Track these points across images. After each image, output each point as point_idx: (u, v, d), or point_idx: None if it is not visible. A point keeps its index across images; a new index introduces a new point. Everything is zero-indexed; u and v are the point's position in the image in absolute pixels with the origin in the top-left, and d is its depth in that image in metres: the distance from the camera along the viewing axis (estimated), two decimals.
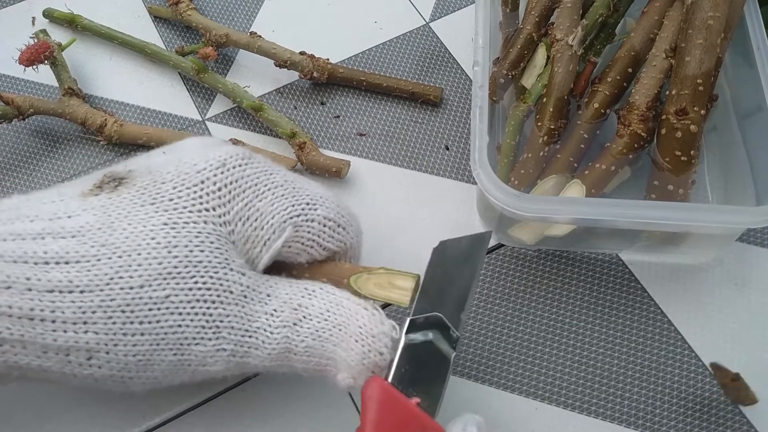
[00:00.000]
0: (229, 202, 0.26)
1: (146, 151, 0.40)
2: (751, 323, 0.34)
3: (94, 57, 0.43)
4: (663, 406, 0.32)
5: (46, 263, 0.23)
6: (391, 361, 0.26)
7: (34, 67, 0.40)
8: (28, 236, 0.23)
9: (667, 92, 0.32)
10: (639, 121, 0.32)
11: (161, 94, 0.42)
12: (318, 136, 0.40)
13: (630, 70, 0.34)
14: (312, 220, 0.27)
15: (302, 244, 0.27)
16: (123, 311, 0.23)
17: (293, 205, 0.27)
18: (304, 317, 0.26)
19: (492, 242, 0.36)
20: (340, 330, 0.26)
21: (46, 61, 0.40)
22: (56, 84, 0.40)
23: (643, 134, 0.32)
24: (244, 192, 0.26)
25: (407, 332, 0.26)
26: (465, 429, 0.24)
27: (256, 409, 0.32)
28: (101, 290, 0.23)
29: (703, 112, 0.31)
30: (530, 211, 0.29)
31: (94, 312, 0.23)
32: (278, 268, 0.29)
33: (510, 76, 0.36)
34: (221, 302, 0.25)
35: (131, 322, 0.23)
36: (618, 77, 0.34)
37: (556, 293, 0.35)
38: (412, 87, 0.40)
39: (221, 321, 0.25)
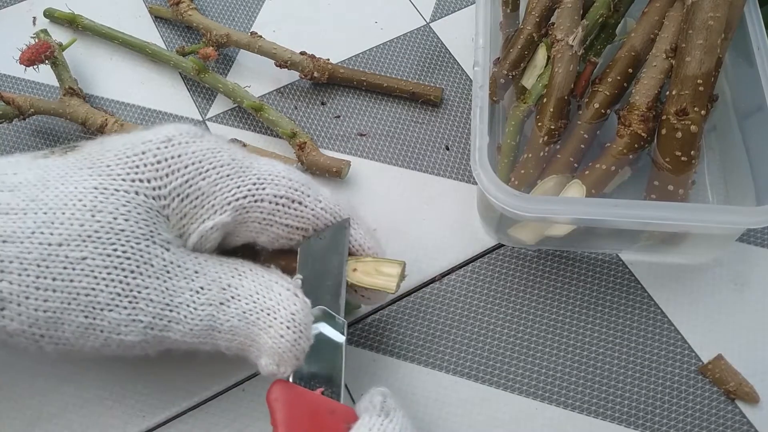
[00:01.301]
0: (167, 176, 0.26)
1: None
2: (751, 323, 0.34)
3: (95, 57, 0.44)
4: (663, 406, 0.32)
5: None
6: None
7: (35, 67, 0.40)
8: None
9: (668, 92, 0.32)
10: (639, 122, 0.32)
11: (162, 94, 0.42)
12: (318, 136, 0.40)
13: (630, 70, 0.34)
14: (261, 200, 0.27)
15: (259, 223, 0.27)
16: (38, 265, 0.23)
17: (238, 186, 0.27)
18: (232, 297, 0.26)
19: (492, 242, 0.36)
20: (268, 314, 0.25)
21: (46, 61, 0.40)
22: (57, 84, 0.40)
23: (643, 134, 0.32)
24: (186, 168, 0.26)
25: None
26: (371, 400, 0.25)
27: (256, 409, 0.32)
28: (21, 242, 0.23)
29: (703, 112, 0.31)
30: (530, 211, 0.29)
31: (11, 262, 0.23)
32: (261, 253, 0.29)
33: (510, 77, 0.36)
34: (140, 273, 0.25)
35: (45, 277, 0.23)
36: (618, 77, 0.34)
37: (556, 293, 0.35)
38: (413, 87, 0.40)
39: (138, 292, 0.25)
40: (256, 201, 0.27)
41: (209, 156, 0.27)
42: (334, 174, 0.37)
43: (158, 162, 0.26)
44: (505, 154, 0.35)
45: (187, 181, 0.26)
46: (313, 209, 0.28)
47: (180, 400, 0.32)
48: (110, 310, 0.24)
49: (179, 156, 0.26)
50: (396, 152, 0.39)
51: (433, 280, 0.35)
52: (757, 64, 0.32)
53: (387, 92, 0.41)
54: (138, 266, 0.25)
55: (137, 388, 0.32)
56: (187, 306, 0.25)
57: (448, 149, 0.39)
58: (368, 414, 0.25)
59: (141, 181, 0.25)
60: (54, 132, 0.41)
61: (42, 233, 0.24)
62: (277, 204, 0.27)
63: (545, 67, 0.35)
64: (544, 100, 0.34)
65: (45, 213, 0.24)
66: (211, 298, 0.25)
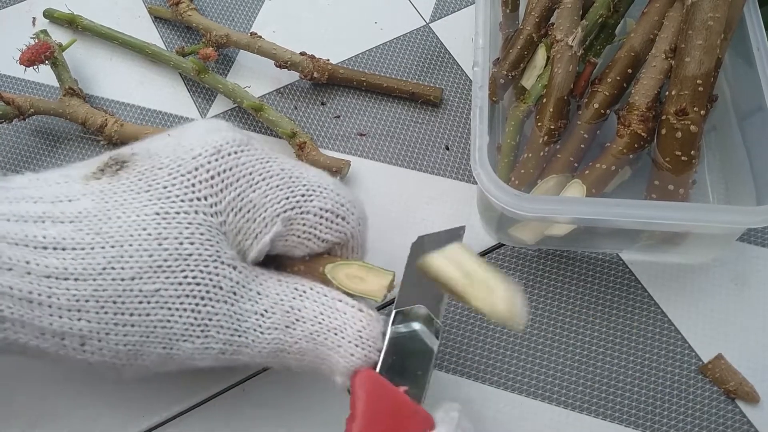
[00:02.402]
0: (221, 191, 0.26)
1: None
2: (751, 323, 0.34)
3: (95, 57, 0.44)
4: (663, 406, 0.32)
5: (45, 248, 0.23)
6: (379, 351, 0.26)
7: (35, 67, 0.40)
8: (30, 219, 0.24)
9: (667, 93, 0.32)
10: (639, 122, 0.32)
11: (162, 94, 0.42)
12: (318, 136, 0.40)
13: (630, 70, 0.34)
14: (307, 212, 0.27)
15: (298, 237, 0.27)
16: (114, 302, 0.24)
17: (287, 198, 0.26)
18: (297, 320, 0.26)
19: (492, 242, 0.36)
20: (335, 334, 0.25)
21: (46, 62, 0.40)
22: (57, 84, 0.40)
23: (643, 134, 0.32)
24: (237, 181, 0.26)
25: (393, 323, 0.27)
26: (448, 413, 0.25)
27: (256, 408, 0.32)
28: (94, 279, 0.23)
29: (702, 112, 0.31)
30: (530, 211, 0.29)
31: (87, 301, 0.23)
32: (272, 259, 0.29)
33: (510, 77, 0.36)
34: (210, 299, 0.25)
35: (122, 314, 0.24)
36: (618, 78, 0.34)
37: (556, 293, 0.35)
38: (413, 87, 0.40)
39: (210, 319, 0.25)
40: (302, 213, 0.27)
41: (259, 167, 0.26)
42: (334, 174, 0.37)
43: (212, 177, 0.26)
44: (505, 154, 0.35)
45: (239, 195, 0.26)
46: (354, 227, 0.28)
47: (180, 400, 0.32)
48: (185, 341, 0.25)
49: (231, 169, 0.26)
50: (396, 152, 0.39)
51: None
52: (757, 64, 0.32)
53: (387, 92, 0.41)
54: (208, 291, 0.25)
55: (137, 388, 0.32)
56: (254, 330, 0.25)
57: (448, 149, 0.39)
58: (445, 427, 0.25)
59: (198, 199, 0.25)
60: (54, 132, 0.41)
61: (113, 269, 0.24)
62: (321, 217, 0.27)
63: (545, 67, 0.35)
64: (544, 100, 0.34)
65: (113, 247, 0.24)
66: (276, 321, 0.25)
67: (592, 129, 0.34)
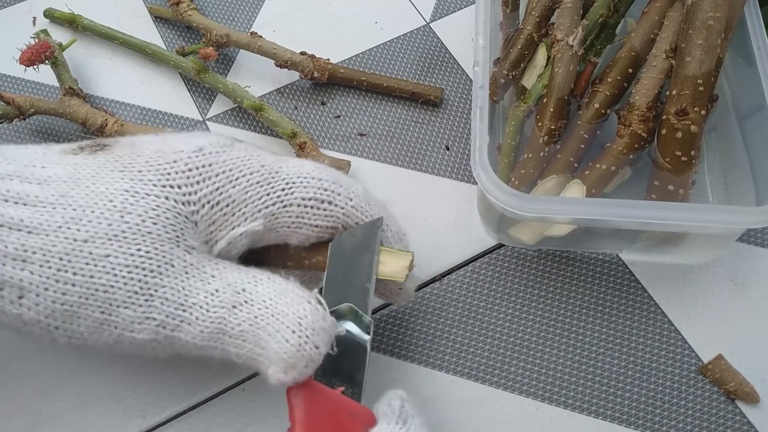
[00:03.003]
0: (197, 183, 0.26)
1: None
2: (751, 323, 0.34)
3: (95, 57, 0.44)
4: (663, 406, 0.32)
5: (6, 201, 0.24)
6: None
7: (35, 67, 0.40)
8: None
9: (668, 92, 0.32)
10: (639, 122, 0.32)
11: (162, 94, 0.42)
12: (318, 136, 0.40)
13: (630, 70, 0.34)
14: (290, 204, 0.27)
15: (288, 227, 0.27)
16: (61, 259, 0.24)
17: (268, 194, 0.27)
18: (245, 301, 0.25)
19: (492, 242, 0.36)
20: (277, 319, 0.25)
21: (46, 61, 0.40)
22: (57, 84, 0.40)
23: (643, 134, 0.32)
24: (216, 176, 0.26)
25: None
26: (390, 404, 0.25)
27: (256, 409, 0.32)
28: (47, 234, 0.24)
29: (703, 112, 0.31)
30: (531, 211, 0.29)
31: (34, 253, 0.24)
32: (278, 253, 0.29)
33: (510, 77, 0.36)
34: (159, 273, 0.25)
35: (66, 271, 0.24)
36: (618, 77, 0.34)
37: (556, 293, 0.35)
38: (413, 87, 0.40)
39: (156, 290, 0.25)
40: (284, 206, 0.27)
41: (239, 164, 0.27)
42: None
43: (189, 170, 0.26)
44: (506, 154, 0.35)
45: (217, 189, 0.26)
46: (343, 208, 0.28)
47: (180, 400, 0.32)
48: (126, 308, 0.25)
49: (210, 165, 0.26)
50: (396, 152, 0.39)
51: (433, 280, 0.35)
52: (757, 64, 0.32)
53: (387, 92, 0.41)
54: (159, 266, 0.25)
55: (137, 388, 0.32)
56: (200, 307, 0.25)
57: (448, 149, 0.39)
58: (386, 420, 0.25)
59: (172, 187, 0.26)
60: (54, 132, 0.41)
61: (69, 228, 0.24)
62: (306, 206, 0.27)
63: (545, 67, 0.35)
64: (544, 100, 0.34)
65: (74, 209, 0.24)
66: (224, 300, 0.25)
67: (592, 129, 0.34)
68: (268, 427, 0.32)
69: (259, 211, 0.27)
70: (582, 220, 0.31)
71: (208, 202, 0.26)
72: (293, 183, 0.27)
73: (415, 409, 0.26)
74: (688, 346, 0.33)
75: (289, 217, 0.27)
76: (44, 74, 0.41)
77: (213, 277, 0.26)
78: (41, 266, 0.24)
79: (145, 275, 0.25)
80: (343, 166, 0.37)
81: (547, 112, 0.34)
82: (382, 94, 0.41)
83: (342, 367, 0.26)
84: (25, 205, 0.24)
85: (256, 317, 0.25)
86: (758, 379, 0.32)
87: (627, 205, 0.29)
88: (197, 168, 0.26)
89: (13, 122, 0.39)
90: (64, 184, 0.25)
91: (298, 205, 0.27)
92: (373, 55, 0.43)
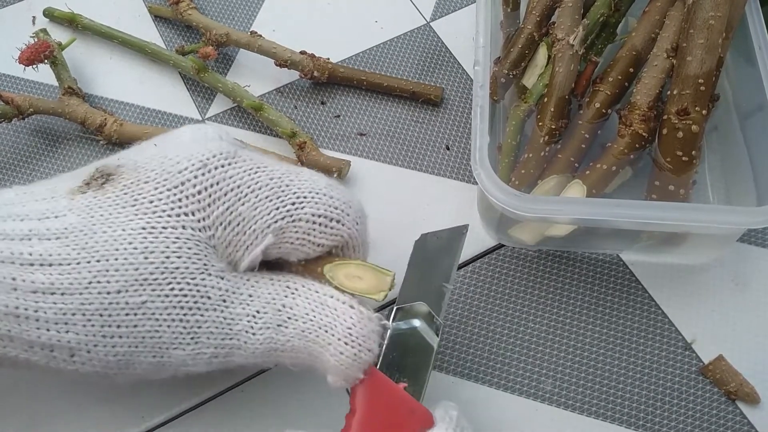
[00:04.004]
0: (209, 206, 0.26)
1: None
2: (751, 323, 0.34)
3: (94, 56, 0.43)
4: (663, 407, 0.32)
5: (31, 264, 0.24)
6: (380, 347, 0.26)
7: (34, 66, 0.40)
8: (16, 237, 0.24)
9: (669, 92, 0.32)
10: (640, 121, 0.32)
11: (161, 93, 0.42)
12: (318, 135, 0.40)
13: (631, 69, 0.34)
14: (299, 219, 0.26)
15: (292, 244, 0.27)
16: (101, 315, 0.24)
17: (277, 208, 0.26)
18: (289, 318, 0.26)
19: (492, 242, 0.36)
20: (326, 332, 0.25)
21: (46, 61, 0.40)
22: (56, 83, 0.40)
23: (644, 134, 0.32)
24: (225, 195, 0.26)
25: (394, 320, 0.27)
26: (447, 412, 0.26)
27: (256, 409, 0.32)
28: (80, 293, 0.24)
29: (704, 112, 0.31)
30: (531, 212, 0.29)
31: (73, 314, 0.24)
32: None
33: (511, 76, 0.36)
34: (198, 308, 0.25)
35: (109, 326, 0.24)
36: (619, 77, 0.34)
37: (557, 293, 0.35)
38: (413, 86, 0.40)
39: (199, 327, 0.25)
40: (293, 221, 0.26)
41: (247, 179, 0.26)
42: (334, 174, 0.37)
43: (199, 192, 0.26)
44: (506, 153, 0.34)
45: (228, 209, 0.26)
46: (350, 228, 0.27)
47: (179, 401, 0.32)
48: (175, 348, 0.25)
49: (218, 183, 0.26)
50: (396, 152, 0.39)
51: None
52: (759, 63, 0.32)
53: (387, 92, 0.41)
54: (196, 302, 0.25)
55: (137, 389, 0.32)
56: (246, 332, 0.25)
57: (448, 149, 0.39)
58: (444, 425, 0.25)
59: (186, 214, 0.25)
60: (53, 132, 0.41)
61: (99, 282, 0.24)
62: (314, 223, 0.26)
63: (546, 66, 0.35)
64: (545, 99, 0.34)
65: (98, 261, 0.24)
66: (268, 321, 0.26)
67: (593, 129, 0.34)
68: (268, 427, 0.31)
69: (269, 226, 0.26)
70: (582, 220, 0.31)
71: (221, 224, 0.26)
72: (304, 198, 0.27)
73: (470, 424, 0.26)
74: (688, 347, 0.33)
75: (296, 232, 0.26)
76: (43, 73, 0.41)
77: (251, 296, 0.26)
78: (84, 326, 0.24)
79: (185, 314, 0.25)
80: (343, 166, 0.37)
81: (547, 112, 0.34)
82: (382, 94, 0.41)
83: (407, 363, 0.26)
84: (50, 265, 0.24)
85: (303, 331, 0.26)
86: (759, 380, 0.32)
87: (627, 205, 0.29)
88: (206, 189, 0.26)
89: (12, 122, 0.39)
90: (81, 234, 0.24)
91: (307, 221, 0.26)
92: (373, 55, 0.43)
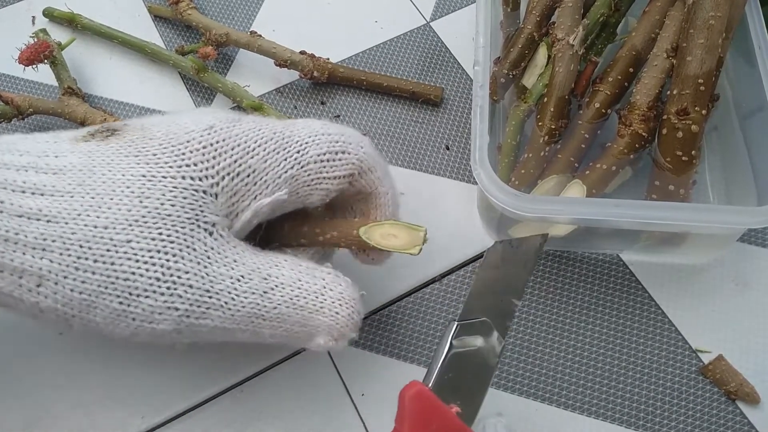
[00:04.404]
0: (214, 158, 0.26)
1: None
2: (752, 323, 0.34)
3: (94, 56, 0.43)
4: (663, 407, 0.32)
5: (23, 192, 0.24)
6: (433, 366, 0.25)
7: (34, 66, 0.40)
8: (12, 167, 0.24)
9: (669, 92, 0.32)
10: (640, 121, 0.32)
11: (161, 93, 0.42)
12: None
13: (631, 69, 0.34)
14: (307, 163, 0.27)
15: (308, 186, 0.28)
16: (81, 246, 0.24)
17: (285, 159, 0.27)
18: (276, 286, 0.26)
19: (492, 242, 0.36)
20: (317, 297, 0.26)
21: (45, 61, 0.40)
22: (56, 83, 0.40)
23: (644, 134, 0.32)
24: (232, 149, 0.26)
25: (453, 337, 0.25)
26: (497, 430, 0.26)
27: (255, 409, 0.32)
28: (66, 223, 0.24)
29: (704, 112, 0.31)
30: (531, 211, 0.29)
31: (53, 241, 0.23)
32: (292, 229, 0.29)
33: (511, 76, 0.36)
34: (182, 257, 0.25)
35: (86, 258, 0.24)
36: (619, 77, 0.34)
37: (557, 293, 0.35)
38: (413, 86, 0.40)
39: (179, 277, 0.25)
40: (302, 166, 0.27)
41: (252, 135, 0.27)
42: None
43: (204, 147, 0.26)
44: (506, 153, 0.34)
45: (236, 161, 0.26)
46: (356, 154, 0.28)
47: (179, 401, 0.32)
48: (147, 297, 0.24)
49: (224, 140, 0.26)
50: (396, 152, 0.39)
51: (433, 280, 0.35)
52: (759, 63, 0.32)
53: (387, 92, 0.41)
54: (181, 249, 0.25)
55: (136, 389, 0.32)
56: (229, 293, 0.25)
57: (448, 149, 0.39)
58: None
59: (188, 165, 0.26)
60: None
61: (88, 216, 0.24)
62: (322, 162, 0.28)
63: (546, 66, 0.35)
64: (545, 99, 0.34)
65: (92, 197, 0.24)
66: (253, 287, 0.26)
67: (593, 129, 0.34)
68: (268, 427, 0.31)
69: (280, 177, 0.27)
70: (582, 220, 0.31)
71: (228, 174, 0.26)
72: (306, 143, 0.28)
73: None
74: (688, 347, 0.33)
75: (309, 175, 0.27)
76: (43, 73, 0.41)
77: (235, 262, 0.26)
78: (61, 254, 0.23)
79: (167, 260, 0.24)
80: None
81: (547, 112, 0.34)
82: (382, 94, 0.41)
83: (463, 385, 0.25)
84: (42, 195, 0.24)
85: (292, 298, 0.26)
86: (759, 380, 0.32)
87: (627, 205, 0.29)
88: (211, 144, 0.26)
89: (12, 122, 0.39)
90: (80, 173, 0.25)
91: (315, 162, 0.27)
92: (373, 55, 0.43)
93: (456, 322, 0.26)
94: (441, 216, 0.37)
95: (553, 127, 0.33)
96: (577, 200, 0.31)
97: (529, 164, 0.33)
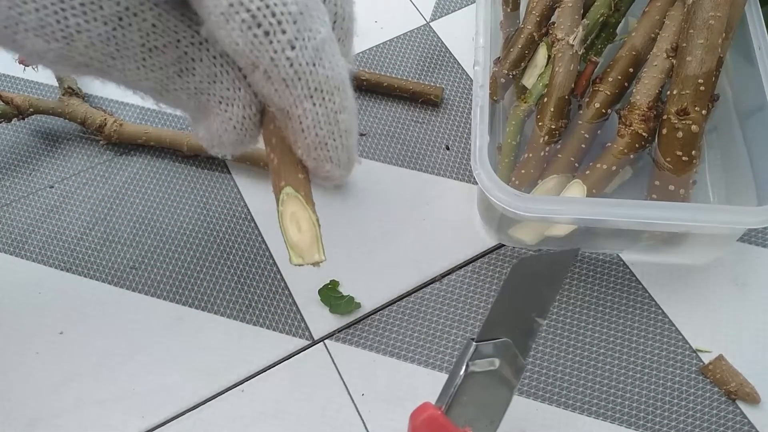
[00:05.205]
0: None
1: (147, 150, 0.40)
2: (752, 323, 0.34)
3: None
4: (663, 406, 0.32)
5: None
6: (448, 388, 0.24)
7: (34, 66, 0.40)
8: None
9: (669, 92, 0.32)
10: (640, 121, 0.32)
11: None
12: None
13: (631, 69, 0.34)
14: None
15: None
16: None
17: None
18: (187, 69, 0.22)
19: (492, 242, 0.36)
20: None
21: None
22: (56, 83, 0.40)
23: (644, 134, 0.32)
24: None
25: (471, 358, 0.24)
26: None
27: (256, 409, 0.32)
28: None
29: (704, 112, 0.31)
30: (531, 211, 0.29)
31: None
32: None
33: (511, 76, 0.36)
34: None
35: None
36: (619, 77, 0.34)
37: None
38: (413, 87, 0.40)
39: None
40: None
41: None
42: None
43: None
44: (506, 153, 0.34)
45: None
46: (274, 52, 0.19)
47: (179, 401, 0.32)
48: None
49: None
50: (396, 152, 0.39)
51: (433, 280, 0.35)
52: (758, 63, 0.32)
53: (387, 92, 0.41)
54: None
55: (136, 389, 0.32)
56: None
57: (448, 149, 0.39)
58: None
59: None
60: (53, 131, 0.41)
61: None
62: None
63: (546, 66, 0.35)
64: (545, 99, 0.34)
65: None
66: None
67: (593, 129, 0.34)
68: (268, 427, 0.31)
69: None
70: (582, 220, 0.31)
71: None
72: None
73: None
74: (688, 347, 0.33)
75: None
76: (43, 73, 0.41)
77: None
78: None
79: None
80: None
81: (547, 112, 0.34)
82: (382, 94, 0.41)
83: (479, 408, 0.24)
84: None
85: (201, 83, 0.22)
86: (759, 380, 0.32)
87: (627, 205, 0.29)
88: None
89: (12, 122, 0.39)
90: None
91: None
92: (373, 55, 0.43)
93: (474, 343, 0.24)
94: (441, 216, 0.37)
95: (553, 127, 0.33)
96: (577, 200, 0.31)
97: (529, 164, 0.33)
